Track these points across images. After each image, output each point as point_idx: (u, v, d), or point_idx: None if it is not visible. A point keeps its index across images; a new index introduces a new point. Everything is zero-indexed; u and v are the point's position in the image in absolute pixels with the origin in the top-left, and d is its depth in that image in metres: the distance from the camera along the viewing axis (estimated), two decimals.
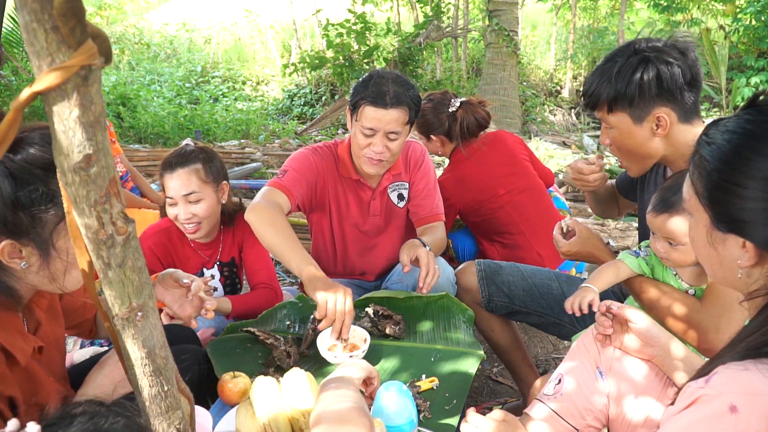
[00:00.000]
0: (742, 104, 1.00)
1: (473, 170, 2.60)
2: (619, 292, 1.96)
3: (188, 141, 2.08)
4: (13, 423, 0.75)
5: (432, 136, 2.64)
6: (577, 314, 1.60)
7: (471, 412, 1.31)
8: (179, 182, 1.99)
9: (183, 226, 2.05)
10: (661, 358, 1.31)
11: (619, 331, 1.35)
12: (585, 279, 2.09)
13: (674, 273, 1.60)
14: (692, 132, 1.57)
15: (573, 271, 2.63)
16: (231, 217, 2.18)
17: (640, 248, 1.68)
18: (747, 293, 0.98)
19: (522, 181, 2.65)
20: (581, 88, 10.24)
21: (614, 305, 1.34)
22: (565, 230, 1.81)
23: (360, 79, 2.06)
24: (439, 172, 2.96)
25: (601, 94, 1.62)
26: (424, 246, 1.99)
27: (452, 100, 2.59)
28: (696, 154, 1.00)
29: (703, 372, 0.93)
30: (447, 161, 2.75)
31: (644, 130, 1.59)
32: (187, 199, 2.00)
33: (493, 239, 2.66)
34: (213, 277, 2.16)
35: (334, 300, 1.63)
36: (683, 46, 1.57)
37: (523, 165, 2.71)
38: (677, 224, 1.47)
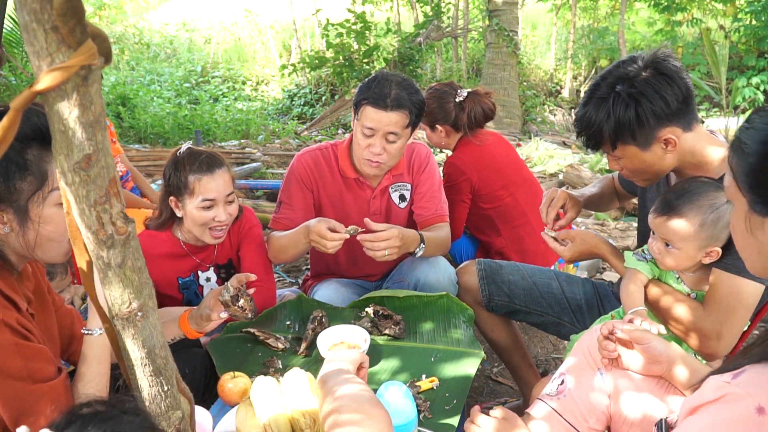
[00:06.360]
0: None
1: (490, 151, 2.63)
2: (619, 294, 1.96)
3: (189, 144, 2.02)
4: (23, 429, 0.76)
5: (437, 126, 2.66)
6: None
7: (476, 411, 1.30)
8: (221, 182, 1.89)
9: (211, 231, 1.93)
10: (669, 374, 1.30)
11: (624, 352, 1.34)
12: (584, 277, 2.10)
13: (677, 276, 1.60)
14: (696, 137, 1.55)
15: (571, 268, 2.64)
16: None
17: (644, 251, 1.66)
18: None
19: (526, 173, 2.77)
20: (581, 88, 10.25)
21: (618, 328, 1.32)
22: (558, 240, 1.81)
23: (366, 79, 2.09)
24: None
25: (599, 136, 1.58)
26: (421, 239, 2.04)
27: (458, 90, 2.62)
28: (736, 140, 0.99)
29: (730, 367, 0.90)
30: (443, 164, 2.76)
31: (654, 153, 1.56)
32: (227, 199, 1.92)
33: (500, 231, 2.68)
34: (209, 279, 2.13)
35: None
36: (664, 66, 1.50)
37: (522, 163, 2.83)
38: (676, 226, 1.46)
